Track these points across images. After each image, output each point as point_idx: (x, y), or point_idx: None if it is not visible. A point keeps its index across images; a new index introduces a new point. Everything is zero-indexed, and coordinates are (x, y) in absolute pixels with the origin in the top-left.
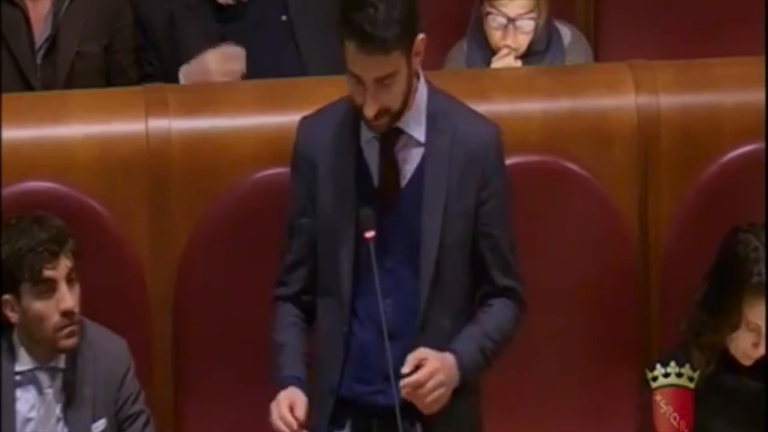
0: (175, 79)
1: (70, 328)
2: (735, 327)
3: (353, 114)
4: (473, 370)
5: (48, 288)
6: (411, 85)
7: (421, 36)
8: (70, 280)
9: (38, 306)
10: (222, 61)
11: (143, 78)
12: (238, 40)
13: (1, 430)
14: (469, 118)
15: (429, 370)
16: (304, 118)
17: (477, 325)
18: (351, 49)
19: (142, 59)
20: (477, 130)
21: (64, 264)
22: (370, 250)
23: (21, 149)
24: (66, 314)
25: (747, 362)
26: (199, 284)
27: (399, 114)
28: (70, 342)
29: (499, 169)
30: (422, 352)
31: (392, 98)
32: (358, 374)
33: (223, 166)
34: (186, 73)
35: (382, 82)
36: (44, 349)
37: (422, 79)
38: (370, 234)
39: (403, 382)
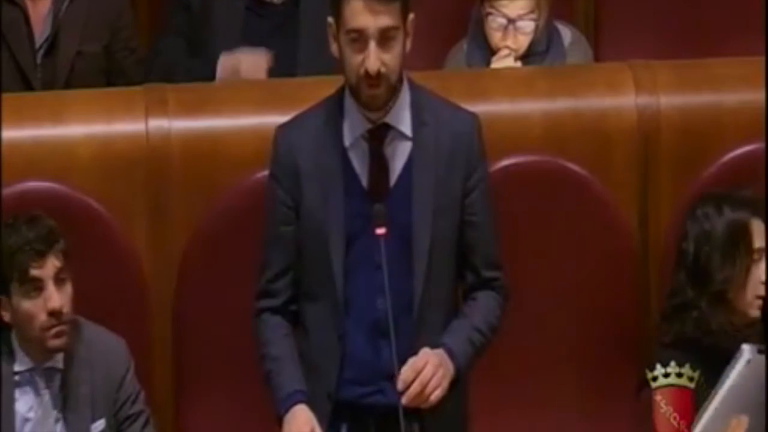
0: (197, 43)
1: (57, 328)
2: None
3: (334, 117)
4: (466, 364)
5: (35, 287)
6: (403, 60)
7: (411, 15)
8: (59, 280)
9: (26, 305)
10: (253, 66)
11: (168, 30)
12: (257, 35)
13: (1, 431)
14: (448, 109)
15: (422, 357)
16: (282, 126)
17: (465, 319)
18: (354, 2)
19: (170, 12)
20: (458, 120)
21: (52, 263)
22: (362, 250)
23: (21, 149)
24: (53, 314)
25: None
26: (199, 284)
27: (393, 90)
28: (57, 342)
29: (482, 157)
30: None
31: (391, 59)
32: (356, 376)
33: (223, 166)
34: (221, 65)
35: (386, 34)
36: (38, 350)
37: (403, 75)
38: (381, 230)
39: (403, 368)
